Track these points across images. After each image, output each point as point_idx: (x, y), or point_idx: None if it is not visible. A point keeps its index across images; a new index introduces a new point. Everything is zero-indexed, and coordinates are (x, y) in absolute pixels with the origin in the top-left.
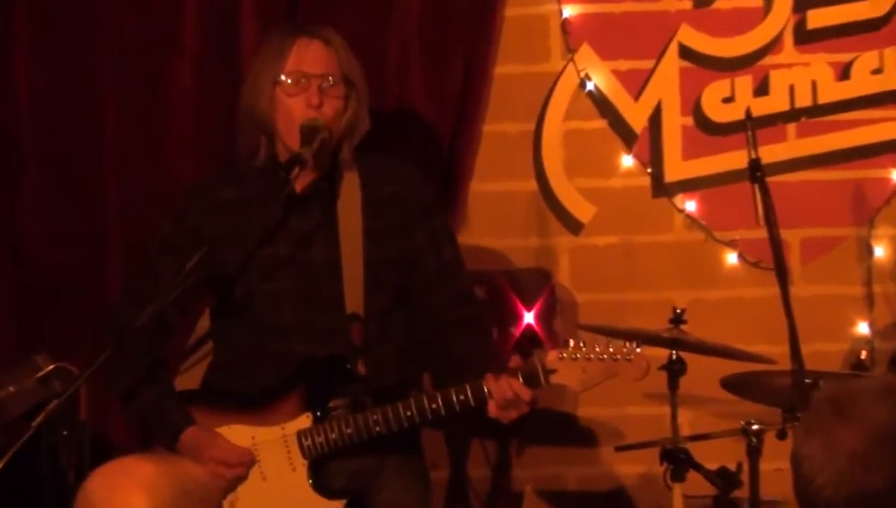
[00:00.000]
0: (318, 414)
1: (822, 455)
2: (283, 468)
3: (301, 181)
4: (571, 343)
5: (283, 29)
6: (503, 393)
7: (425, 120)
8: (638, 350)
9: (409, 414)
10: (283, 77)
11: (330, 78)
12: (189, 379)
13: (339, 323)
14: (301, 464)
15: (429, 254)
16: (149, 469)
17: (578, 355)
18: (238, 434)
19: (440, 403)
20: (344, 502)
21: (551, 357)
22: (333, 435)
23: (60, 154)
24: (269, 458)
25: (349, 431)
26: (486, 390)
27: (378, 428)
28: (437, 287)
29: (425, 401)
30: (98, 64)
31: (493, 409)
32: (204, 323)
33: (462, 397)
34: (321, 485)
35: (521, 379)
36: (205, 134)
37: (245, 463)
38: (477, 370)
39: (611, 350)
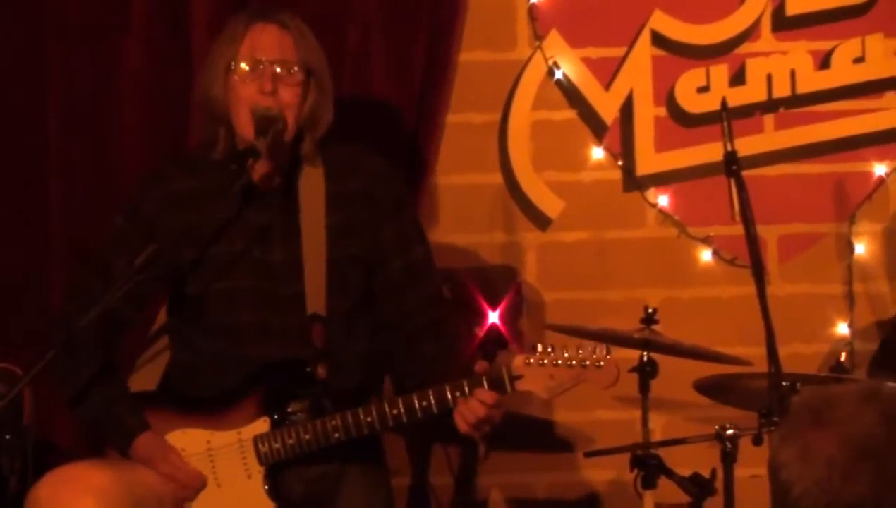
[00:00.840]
0: (276, 418)
1: (800, 464)
2: (238, 474)
3: (257, 174)
4: (539, 348)
5: (242, 14)
6: (476, 412)
7: (386, 108)
8: (608, 356)
9: (369, 420)
10: (236, 63)
11: (286, 64)
12: (146, 377)
13: (298, 324)
14: (257, 471)
15: (396, 254)
16: (100, 477)
17: (546, 360)
18: (193, 438)
19: (402, 410)
20: None
21: (518, 362)
22: (291, 441)
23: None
24: (225, 464)
25: (307, 437)
26: (449, 397)
27: (337, 435)
28: (404, 289)
29: (386, 408)
30: (39, 45)
31: (463, 427)
32: (161, 319)
33: (425, 403)
34: (277, 493)
35: (486, 385)
36: (155, 120)
37: (194, 488)
38: (441, 375)
39: (580, 355)
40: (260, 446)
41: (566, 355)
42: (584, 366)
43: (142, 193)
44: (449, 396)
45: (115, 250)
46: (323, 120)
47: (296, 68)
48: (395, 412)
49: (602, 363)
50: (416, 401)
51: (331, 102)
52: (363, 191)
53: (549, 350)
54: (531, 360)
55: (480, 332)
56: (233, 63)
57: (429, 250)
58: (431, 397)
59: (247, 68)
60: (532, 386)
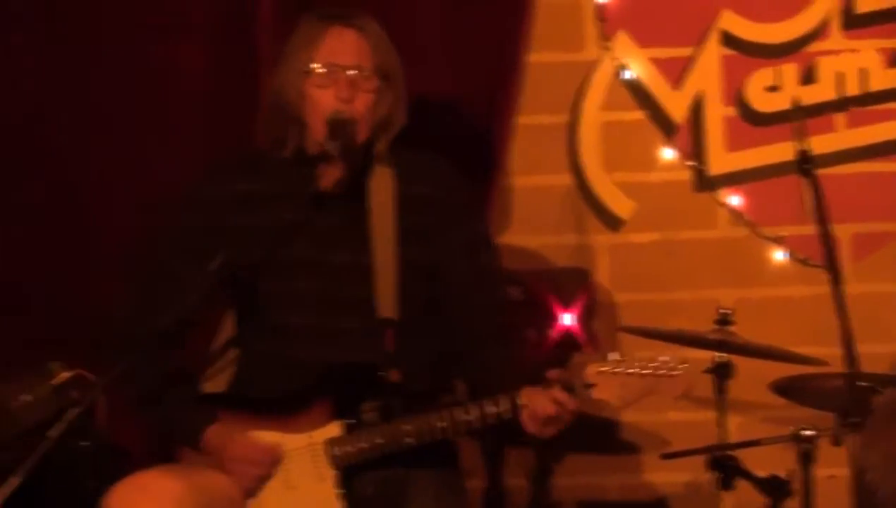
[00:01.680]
0: (348, 422)
1: (886, 466)
2: (309, 477)
3: (328, 178)
4: (612, 356)
5: (318, 13)
6: (545, 408)
7: (455, 109)
8: (681, 365)
9: (442, 426)
10: (313, 67)
11: (363, 70)
12: (215, 384)
13: (364, 327)
14: (329, 474)
15: (463, 261)
16: (172, 484)
17: (619, 369)
18: (264, 440)
19: (475, 416)
20: None
21: (590, 370)
22: (363, 445)
23: (57, 154)
24: (296, 467)
25: (380, 441)
26: (521, 403)
27: (410, 440)
28: (471, 294)
29: (459, 415)
30: (99, 45)
31: (530, 425)
32: (228, 326)
33: (495, 409)
34: (348, 495)
35: (561, 390)
36: (217, 122)
37: (270, 462)
38: (510, 382)
39: (653, 364)
40: (332, 449)
41: (638, 364)
42: (657, 376)
43: (204, 188)
44: (520, 402)
45: (178, 249)
46: (396, 122)
47: (372, 74)
48: (468, 419)
49: (675, 372)
50: (489, 408)
51: (404, 105)
52: (433, 196)
53: (622, 358)
54: (604, 369)
55: (554, 334)
56: (309, 66)
57: (496, 257)
58: (505, 403)
59: (324, 73)
60: (605, 394)
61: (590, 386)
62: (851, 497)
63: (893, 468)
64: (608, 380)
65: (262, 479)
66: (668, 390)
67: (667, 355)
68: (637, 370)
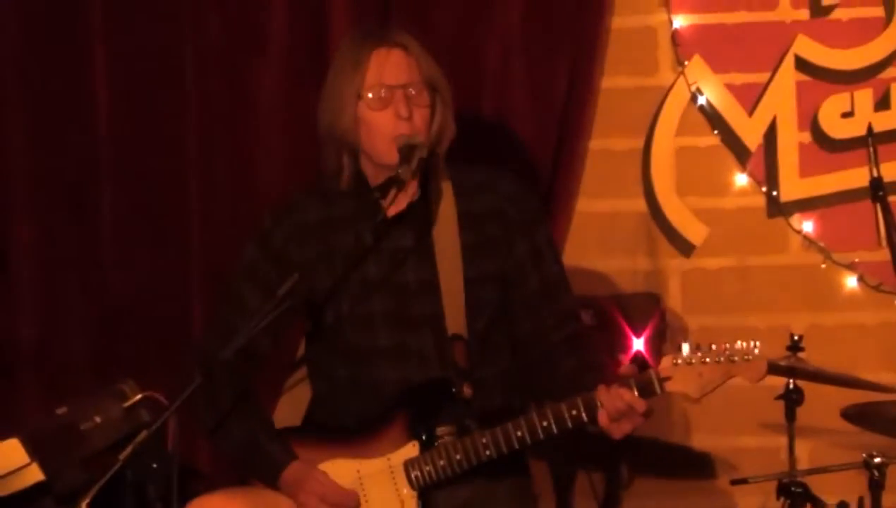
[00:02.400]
0: (425, 441)
1: None
2: (390, 501)
3: (400, 203)
4: (685, 347)
5: (355, 37)
6: (614, 402)
7: (526, 132)
8: (756, 349)
9: (519, 434)
10: (365, 92)
11: (415, 86)
12: (288, 410)
13: (435, 344)
14: (410, 496)
15: (531, 271)
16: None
17: (694, 359)
18: (342, 468)
19: (551, 420)
20: None
21: (665, 363)
22: (442, 462)
23: (139, 174)
24: (376, 491)
25: (458, 457)
26: (598, 403)
27: (488, 452)
28: (540, 306)
29: (536, 419)
30: (179, 69)
31: (604, 420)
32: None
33: (574, 412)
34: None
35: (634, 389)
36: (294, 143)
37: (347, 505)
38: (586, 387)
39: (727, 350)
40: (411, 470)
41: (713, 352)
42: (733, 361)
43: (273, 224)
44: (598, 403)
45: (249, 281)
46: (447, 134)
47: (423, 89)
48: (544, 423)
49: (750, 356)
50: (565, 410)
51: (452, 115)
52: (494, 209)
53: (696, 348)
54: (678, 360)
55: (625, 359)
56: (362, 91)
57: (562, 266)
58: (581, 405)
59: (379, 96)
60: (682, 386)
61: (665, 379)
62: None
63: None
64: (684, 371)
65: None
66: (747, 375)
67: (741, 341)
68: (712, 358)
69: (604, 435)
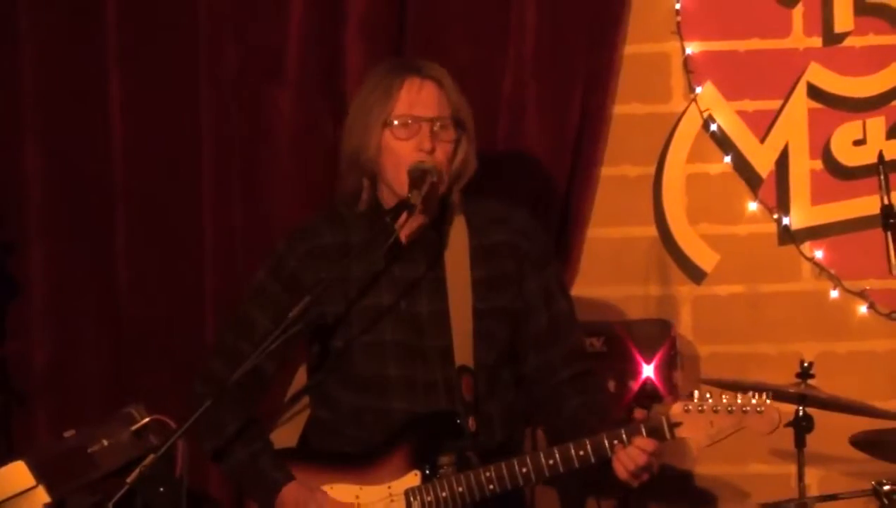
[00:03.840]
0: (427, 471)
1: None
2: None
3: (407, 228)
4: (696, 394)
5: (389, 65)
6: (636, 459)
7: (540, 159)
8: (768, 401)
9: (524, 471)
10: (393, 120)
11: (442, 121)
12: (286, 435)
13: (445, 376)
14: None
15: (540, 308)
16: None
17: (705, 407)
18: (341, 493)
19: (558, 459)
20: None
21: (676, 409)
22: (444, 494)
23: (155, 196)
24: None
25: (461, 489)
26: (606, 444)
27: (492, 486)
28: (548, 343)
29: (542, 458)
30: (195, 97)
31: (623, 475)
32: (301, 378)
33: (581, 453)
34: None
35: (644, 432)
36: (306, 171)
37: None
38: (592, 427)
39: (739, 401)
40: (412, 499)
41: (725, 401)
42: (745, 412)
43: (287, 249)
44: (607, 444)
45: (259, 306)
46: (468, 170)
47: (450, 124)
48: (551, 462)
49: (762, 408)
50: (572, 451)
51: (475, 152)
52: (508, 244)
53: (708, 396)
54: (689, 407)
55: (635, 386)
56: (389, 119)
57: (572, 305)
58: (588, 446)
59: (405, 125)
60: (691, 432)
61: (676, 424)
62: None
63: None
64: (695, 418)
65: None
66: (757, 427)
67: (753, 393)
68: (725, 407)
69: (623, 485)
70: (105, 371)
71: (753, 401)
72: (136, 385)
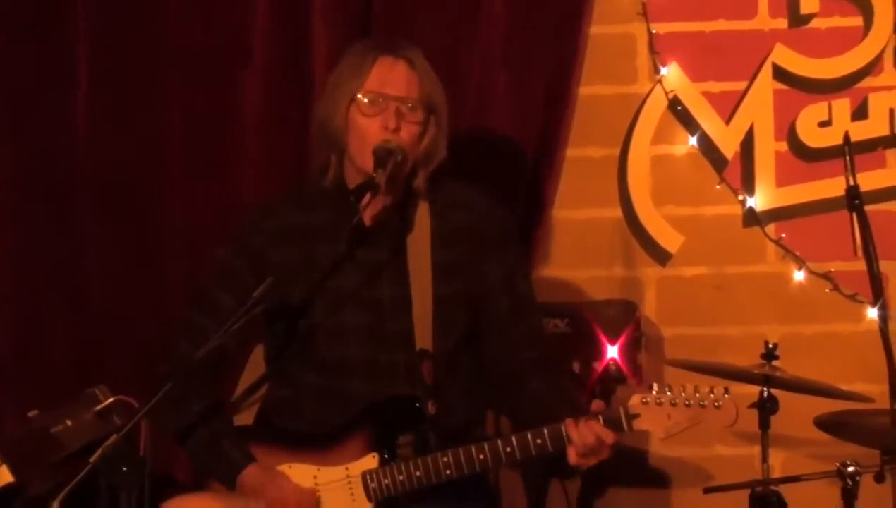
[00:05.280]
0: (385, 454)
1: None
2: None
3: (371, 209)
4: (656, 387)
5: (368, 42)
6: (584, 439)
7: (507, 141)
8: (726, 395)
9: (482, 457)
10: (360, 95)
11: (410, 102)
12: (245, 418)
13: (405, 360)
14: (366, 507)
15: (501, 293)
16: None
17: (663, 400)
18: (299, 473)
19: (515, 447)
20: None
21: (635, 401)
22: (401, 477)
23: (119, 179)
24: (331, 500)
25: (418, 473)
26: (564, 434)
27: (449, 472)
28: (509, 326)
29: (500, 445)
30: (162, 79)
31: (573, 456)
32: (257, 356)
33: (539, 441)
34: None
35: (602, 423)
36: (273, 154)
37: (306, 506)
38: (552, 412)
39: (697, 395)
40: (369, 482)
41: (684, 394)
42: (703, 406)
43: (251, 227)
44: (564, 434)
45: (223, 285)
46: (437, 156)
47: (419, 106)
48: (508, 449)
49: (720, 402)
50: (530, 439)
51: (446, 139)
52: (469, 228)
53: (667, 389)
54: (648, 399)
55: (599, 367)
56: (357, 95)
57: (532, 288)
58: (546, 434)
59: (371, 102)
60: (649, 425)
61: (634, 416)
62: None
63: None
64: (653, 411)
65: None
66: (715, 420)
67: (711, 386)
68: (683, 401)
69: (571, 469)
70: (71, 356)
71: (711, 395)
72: (101, 369)
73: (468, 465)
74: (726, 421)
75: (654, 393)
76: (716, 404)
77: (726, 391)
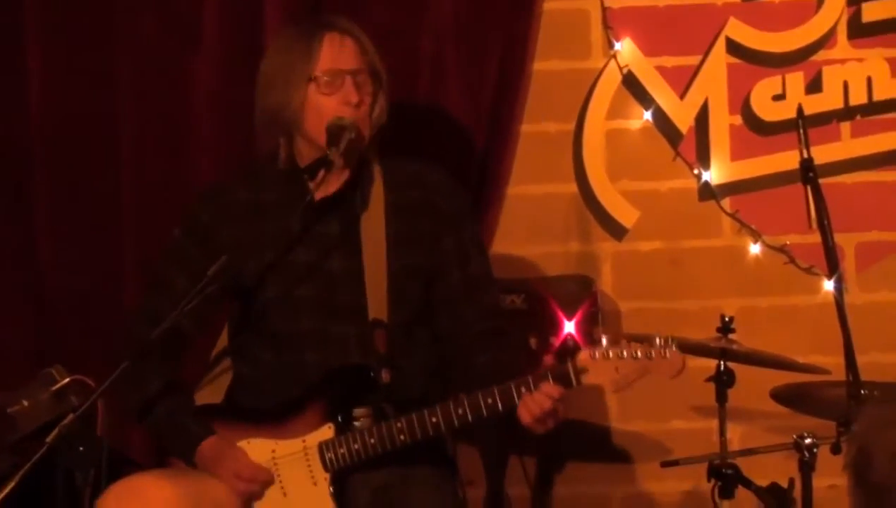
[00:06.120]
0: (340, 424)
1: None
2: (304, 482)
3: (325, 185)
4: (604, 341)
5: (305, 23)
6: (534, 396)
7: (459, 118)
8: (673, 347)
9: (434, 420)
10: (318, 75)
11: (364, 74)
12: (210, 394)
13: (359, 331)
14: (322, 477)
15: (454, 267)
16: (165, 490)
17: (611, 353)
18: (258, 448)
19: (467, 409)
20: None
21: (583, 356)
22: (356, 446)
23: (73, 165)
24: (290, 472)
25: (373, 441)
26: (514, 392)
27: (402, 437)
28: (462, 301)
29: (451, 407)
30: (114, 64)
31: (524, 416)
32: (225, 338)
33: (490, 401)
34: (344, 500)
35: (550, 380)
36: (226, 138)
37: (260, 482)
38: (502, 382)
39: (645, 347)
40: (325, 452)
41: (631, 347)
42: (650, 358)
43: (200, 206)
44: (514, 393)
45: (175, 265)
46: (382, 121)
47: (369, 77)
48: (460, 411)
49: (667, 353)
50: (481, 400)
51: (388, 106)
52: (424, 202)
53: (615, 342)
54: (596, 354)
55: (556, 342)
56: (314, 74)
57: (487, 263)
58: (497, 394)
59: (331, 81)
60: (598, 379)
61: (583, 370)
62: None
63: None
64: (601, 365)
65: (252, 496)
66: (664, 371)
67: (657, 337)
68: (630, 353)
69: (527, 431)
70: (27, 344)
71: (658, 346)
72: (59, 355)
73: (421, 430)
74: (673, 371)
75: (602, 347)
76: (663, 355)
77: (672, 341)
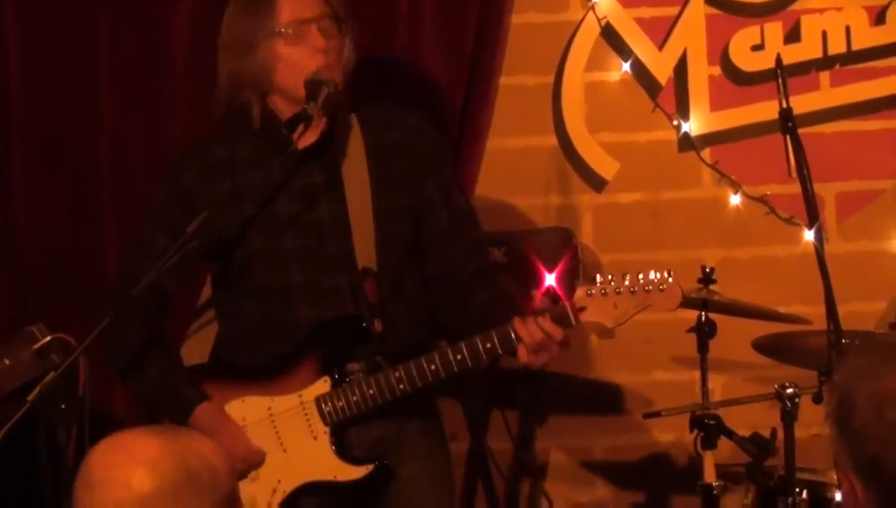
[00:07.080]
0: (337, 376)
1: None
2: (303, 437)
3: (305, 136)
4: (599, 278)
5: None
6: (533, 335)
7: (438, 72)
8: (669, 279)
9: (433, 368)
10: (281, 28)
11: (328, 18)
12: (195, 353)
13: (349, 281)
14: (322, 431)
15: (440, 205)
16: (152, 446)
17: (608, 289)
18: (253, 406)
19: (465, 353)
20: (370, 467)
21: (580, 294)
22: (355, 398)
23: (51, 128)
24: (289, 428)
25: (371, 392)
26: (513, 336)
27: (402, 386)
28: (452, 238)
29: (449, 353)
30: (91, 24)
31: (523, 355)
32: (206, 296)
33: (489, 345)
34: (344, 452)
35: (549, 320)
36: (204, 97)
37: (254, 463)
38: (501, 320)
39: (641, 281)
40: (323, 406)
41: (627, 282)
42: (647, 291)
43: (179, 166)
44: (513, 335)
45: (157, 225)
46: (351, 66)
47: (332, 21)
48: (458, 357)
49: (664, 286)
50: (479, 343)
51: (355, 46)
52: (403, 144)
53: (610, 278)
54: (593, 291)
55: (537, 295)
56: (277, 28)
57: (469, 199)
58: (495, 338)
59: (296, 32)
60: (596, 316)
61: (581, 309)
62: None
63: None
64: (598, 302)
65: (241, 475)
66: (661, 304)
67: (654, 270)
68: (627, 288)
69: (521, 368)
70: (8, 306)
71: (655, 279)
72: (41, 318)
73: (420, 378)
74: (671, 304)
75: (598, 284)
76: (661, 287)
77: (669, 273)
